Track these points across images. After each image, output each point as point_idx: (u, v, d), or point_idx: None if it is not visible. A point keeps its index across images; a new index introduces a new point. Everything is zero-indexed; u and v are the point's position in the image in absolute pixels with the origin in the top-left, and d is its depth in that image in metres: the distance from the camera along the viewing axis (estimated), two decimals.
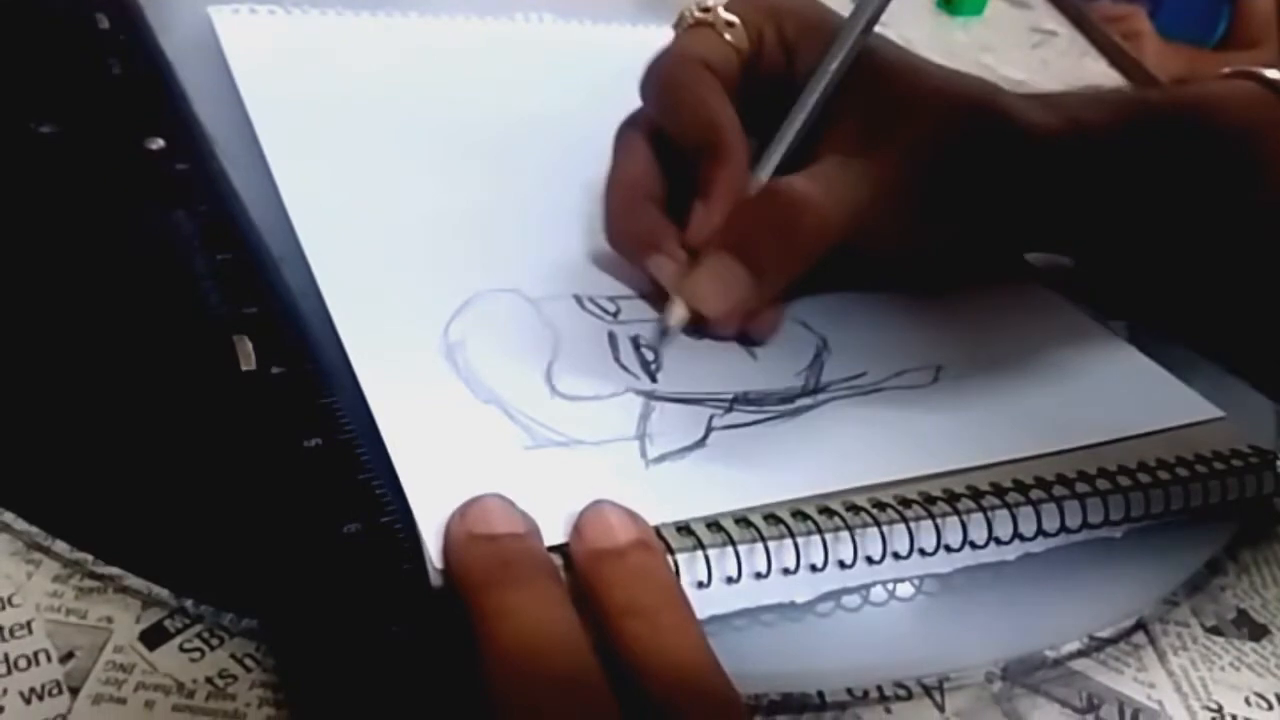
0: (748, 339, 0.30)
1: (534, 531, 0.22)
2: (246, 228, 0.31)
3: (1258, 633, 0.27)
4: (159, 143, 0.34)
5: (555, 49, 0.47)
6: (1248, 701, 0.25)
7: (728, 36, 0.31)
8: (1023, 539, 0.27)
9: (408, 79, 0.41)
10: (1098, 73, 0.66)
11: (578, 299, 0.31)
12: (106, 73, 0.37)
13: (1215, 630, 0.27)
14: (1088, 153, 0.31)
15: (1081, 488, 0.28)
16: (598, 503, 0.23)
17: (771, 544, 0.24)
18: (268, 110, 0.36)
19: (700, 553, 0.23)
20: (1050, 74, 0.64)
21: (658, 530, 0.23)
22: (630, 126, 0.32)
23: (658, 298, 0.30)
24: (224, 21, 0.42)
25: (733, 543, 0.24)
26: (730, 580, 0.24)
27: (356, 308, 0.28)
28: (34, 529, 0.22)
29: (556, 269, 0.32)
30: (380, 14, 0.46)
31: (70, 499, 0.23)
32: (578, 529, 0.22)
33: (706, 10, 0.31)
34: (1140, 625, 0.26)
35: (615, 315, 0.31)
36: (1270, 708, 0.25)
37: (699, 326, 0.30)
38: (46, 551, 0.22)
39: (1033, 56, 0.67)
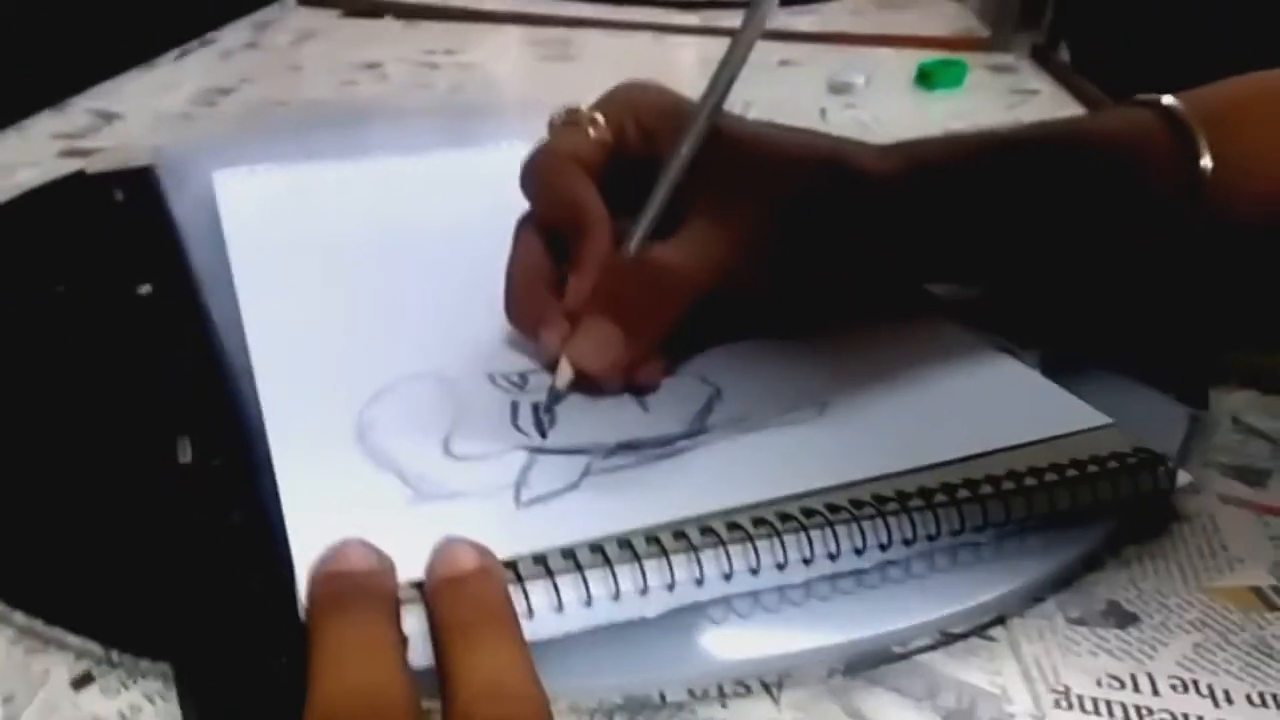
0: (637, 391, 0.34)
1: (386, 568, 0.25)
2: (213, 351, 0.37)
3: (1125, 621, 0.28)
4: (147, 288, 0.40)
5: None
6: (1099, 683, 0.26)
7: (591, 132, 0.35)
8: (883, 548, 0.29)
9: (375, 210, 0.47)
10: None
11: (490, 376, 0.35)
12: (115, 237, 0.44)
13: (1079, 621, 0.28)
14: (929, 189, 0.34)
15: (939, 498, 0.29)
16: (449, 538, 0.26)
17: (620, 567, 0.27)
18: (245, 252, 0.42)
19: (549, 580, 0.26)
20: None
21: (514, 563, 0.26)
22: (524, 222, 0.36)
23: (554, 367, 0.34)
24: (224, 182, 0.49)
25: (580, 569, 0.26)
26: (585, 603, 0.26)
27: (288, 406, 0.33)
28: None
29: (474, 351, 0.36)
30: (365, 159, 0.52)
31: (25, 575, 0.28)
32: (429, 561, 0.25)
33: (573, 112, 0.36)
34: (999, 621, 0.28)
35: (523, 387, 0.34)
36: (1122, 686, 0.26)
37: (590, 386, 0.33)
38: (6, 620, 0.27)
39: (1009, 118, 0.69)
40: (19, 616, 0.27)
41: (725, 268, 0.32)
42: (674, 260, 0.32)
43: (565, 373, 0.33)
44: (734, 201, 0.33)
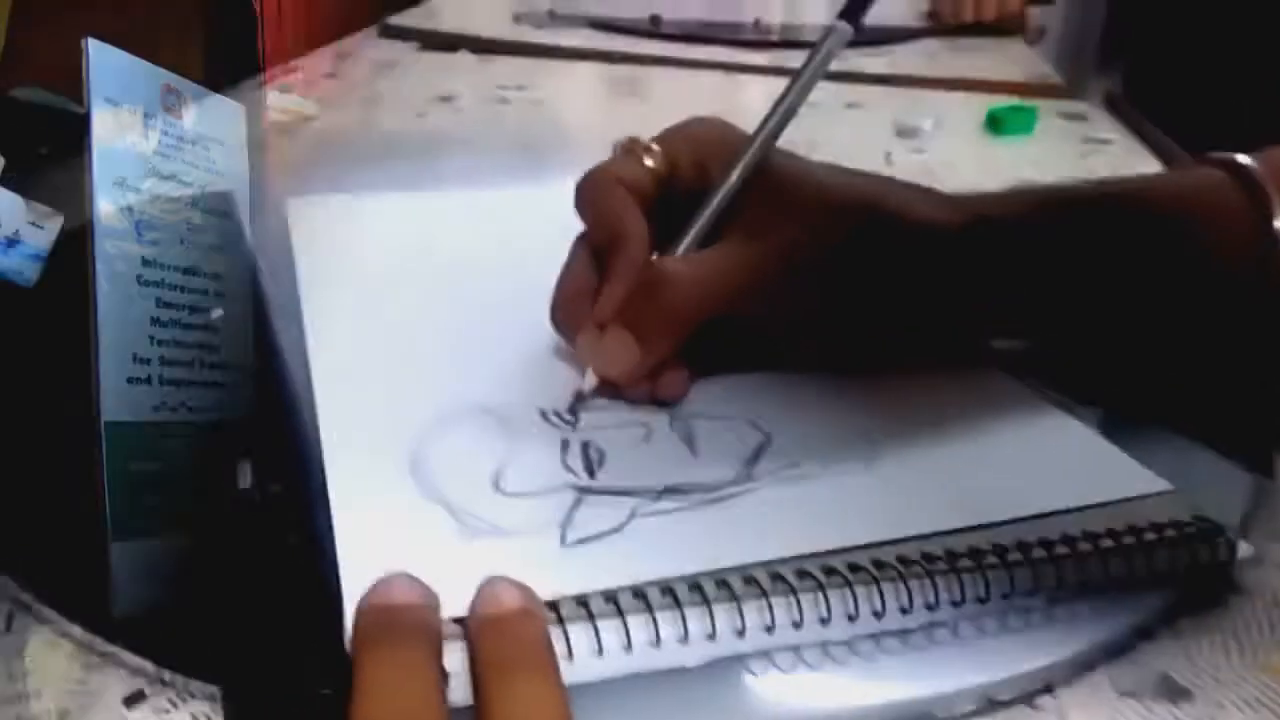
0: (660, 401, 0.35)
1: (430, 603, 0.25)
2: (278, 377, 0.38)
3: (1178, 695, 0.27)
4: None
5: None
6: None
7: (647, 161, 0.37)
8: (930, 609, 0.28)
9: (442, 243, 0.48)
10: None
11: (543, 412, 0.35)
12: None
13: (1130, 693, 0.27)
14: (991, 244, 0.34)
15: (990, 560, 0.29)
16: (493, 577, 0.26)
17: (662, 613, 0.27)
18: (314, 279, 0.43)
19: (590, 623, 0.26)
20: None
21: (556, 604, 0.27)
22: (579, 240, 0.38)
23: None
24: (297, 209, 0.50)
25: (621, 613, 0.26)
26: (625, 648, 0.26)
27: (346, 434, 0.33)
28: (58, 616, 0.28)
29: (529, 386, 0.36)
30: (434, 192, 0.53)
31: (85, 592, 0.29)
32: (473, 599, 0.26)
33: (633, 141, 0.37)
34: (1046, 689, 0.27)
35: (574, 425, 0.35)
36: None
37: (615, 393, 0.35)
38: (66, 635, 0.28)
39: (1080, 167, 0.68)
40: (78, 631, 0.28)
41: (735, 284, 0.34)
42: (681, 271, 0.34)
43: (590, 378, 0.35)
44: (765, 226, 0.34)
